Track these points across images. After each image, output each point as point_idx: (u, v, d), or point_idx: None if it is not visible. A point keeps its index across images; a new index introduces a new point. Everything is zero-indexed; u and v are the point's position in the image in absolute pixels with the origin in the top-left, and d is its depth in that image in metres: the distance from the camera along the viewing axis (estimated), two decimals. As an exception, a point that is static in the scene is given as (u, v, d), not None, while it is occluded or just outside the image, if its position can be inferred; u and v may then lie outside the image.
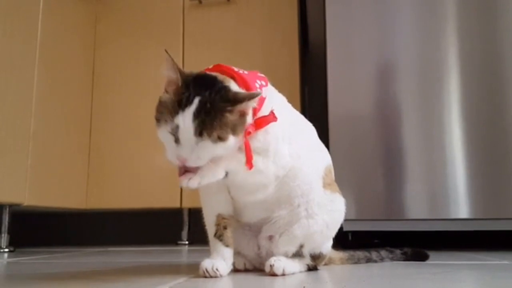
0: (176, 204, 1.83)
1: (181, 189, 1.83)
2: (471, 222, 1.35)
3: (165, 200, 1.83)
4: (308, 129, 0.89)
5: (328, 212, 0.83)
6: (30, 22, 1.64)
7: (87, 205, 1.90)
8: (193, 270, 0.85)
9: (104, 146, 1.94)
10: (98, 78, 2.01)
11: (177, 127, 0.68)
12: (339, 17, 1.51)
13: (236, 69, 0.77)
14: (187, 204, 1.84)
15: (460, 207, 1.35)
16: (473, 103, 1.39)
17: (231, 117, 0.70)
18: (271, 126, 0.76)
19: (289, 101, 0.87)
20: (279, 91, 0.85)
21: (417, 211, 1.37)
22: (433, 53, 1.43)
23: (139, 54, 1.97)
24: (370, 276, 0.82)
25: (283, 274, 0.78)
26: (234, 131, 0.70)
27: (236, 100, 0.70)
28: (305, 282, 0.73)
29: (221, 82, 0.72)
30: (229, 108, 0.69)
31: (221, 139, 0.69)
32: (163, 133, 0.70)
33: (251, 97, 0.70)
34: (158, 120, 0.71)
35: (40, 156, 1.64)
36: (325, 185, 0.84)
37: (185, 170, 0.71)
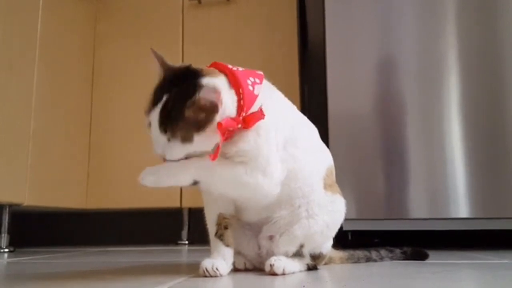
0: (176, 204, 1.83)
1: (181, 189, 1.83)
2: (471, 221, 1.35)
3: (165, 200, 1.83)
4: (310, 130, 0.88)
5: (328, 212, 0.83)
6: (30, 22, 1.64)
7: (87, 205, 1.90)
8: (193, 270, 0.85)
9: (104, 146, 1.94)
10: (98, 78, 2.01)
11: (150, 123, 0.69)
12: (339, 15, 1.51)
13: (230, 66, 0.76)
14: (187, 203, 1.84)
15: (460, 206, 1.35)
16: (473, 102, 1.40)
17: (191, 114, 0.67)
18: (262, 128, 0.73)
19: (289, 100, 0.87)
20: (279, 90, 0.85)
21: (417, 210, 1.37)
22: (433, 52, 1.43)
23: (139, 54, 1.97)
24: (370, 275, 0.83)
25: (283, 274, 0.78)
26: (198, 129, 0.68)
27: (193, 94, 0.66)
28: (305, 282, 0.73)
29: (197, 77, 0.70)
30: (188, 103, 0.67)
31: (185, 139, 0.67)
32: (146, 128, 0.71)
33: (205, 89, 0.66)
34: (145, 113, 0.72)
35: (40, 156, 1.64)
36: (326, 186, 0.84)
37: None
